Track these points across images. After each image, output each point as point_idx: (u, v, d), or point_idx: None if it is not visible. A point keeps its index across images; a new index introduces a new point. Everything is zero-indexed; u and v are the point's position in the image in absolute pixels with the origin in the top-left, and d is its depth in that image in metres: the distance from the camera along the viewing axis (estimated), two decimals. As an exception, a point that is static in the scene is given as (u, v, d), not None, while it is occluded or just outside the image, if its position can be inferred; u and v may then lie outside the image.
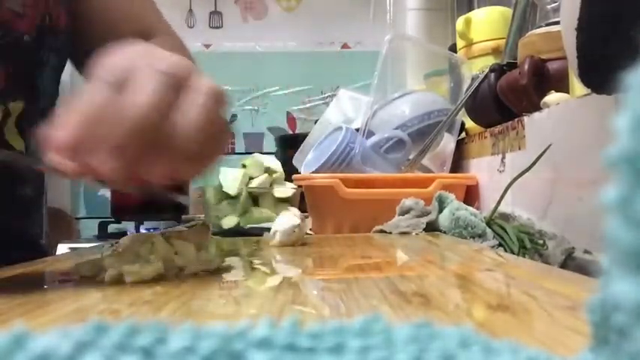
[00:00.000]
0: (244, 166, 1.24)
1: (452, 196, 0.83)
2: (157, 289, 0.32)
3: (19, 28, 0.53)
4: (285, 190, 1.20)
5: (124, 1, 0.65)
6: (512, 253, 0.62)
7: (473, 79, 1.04)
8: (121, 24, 0.64)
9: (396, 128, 1.10)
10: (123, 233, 1.91)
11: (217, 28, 2.69)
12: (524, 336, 0.21)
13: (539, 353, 0.15)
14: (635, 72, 0.12)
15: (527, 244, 0.64)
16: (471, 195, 1.03)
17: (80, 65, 0.63)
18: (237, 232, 0.87)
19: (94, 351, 0.13)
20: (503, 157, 0.89)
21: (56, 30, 0.57)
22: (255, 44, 2.67)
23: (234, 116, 2.64)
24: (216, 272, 0.39)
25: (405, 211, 0.83)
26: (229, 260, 0.49)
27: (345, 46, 2.69)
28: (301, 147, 1.26)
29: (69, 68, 0.65)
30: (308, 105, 2.64)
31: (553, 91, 0.78)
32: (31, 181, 0.61)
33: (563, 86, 0.77)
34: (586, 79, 0.52)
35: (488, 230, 0.70)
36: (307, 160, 1.16)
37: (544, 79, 0.82)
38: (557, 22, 0.74)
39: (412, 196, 0.87)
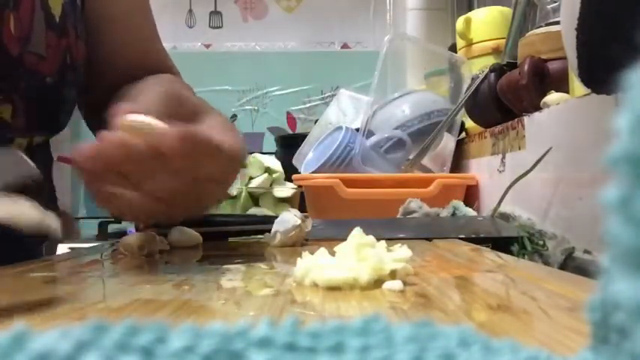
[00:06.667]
0: (244, 166, 1.24)
1: (467, 209, 0.83)
2: (157, 289, 0.32)
3: (43, 71, 0.54)
4: (285, 190, 1.20)
5: (132, 33, 0.66)
6: (512, 254, 0.62)
7: (473, 79, 1.04)
8: (129, 56, 0.65)
9: (396, 128, 1.10)
10: (123, 233, 1.90)
11: (217, 28, 2.69)
12: (524, 336, 0.21)
13: (539, 353, 0.15)
14: (635, 72, 0.12)
15: (528, 244, 0.64)
16: (471, 195, 1.03)
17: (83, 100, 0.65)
18: (237, 232, 0.87)
19: (94, 351, 0.13)
20: (503, 157, 0.89)
21: (76, 65, 0.58)
22: (255, 44, 2.67)
23: (234, 116, 2.64)
24: (216, 272, 0.40)
25: (408, 213, 0.83)
26: (229, 261, 0.49)
27: (345, 46, 2.69)
28: (301, 147, 1.26)
29: None
30: (308, 105, 2.64)
31: (553, 91, 0.78)
32: (44, 197, 0.62)
33: (563, 86, 0.77)
34: (586, 79, 0.52)
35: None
36: (307, 160, 1.16)
37: (544, 79, 0.82)
38: (557, 22, 0.74)
39: (412, 196, 0.87)
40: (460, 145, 1.16)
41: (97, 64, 0.62)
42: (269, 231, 0.56)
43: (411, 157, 1.10)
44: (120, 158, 0.37)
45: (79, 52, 0.59)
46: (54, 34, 0.55)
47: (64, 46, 0.56)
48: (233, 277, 0.38)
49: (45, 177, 0.62)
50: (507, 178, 0.84)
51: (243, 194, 1.18)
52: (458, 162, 1.16)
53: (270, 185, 1.21)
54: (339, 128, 1.12)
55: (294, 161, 1.27)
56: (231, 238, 0.64)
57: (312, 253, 0.35)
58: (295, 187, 1.19)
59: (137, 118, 0.39)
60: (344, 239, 0.35)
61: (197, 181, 0.40)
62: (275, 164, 1.25)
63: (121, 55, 0.65)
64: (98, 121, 0.66)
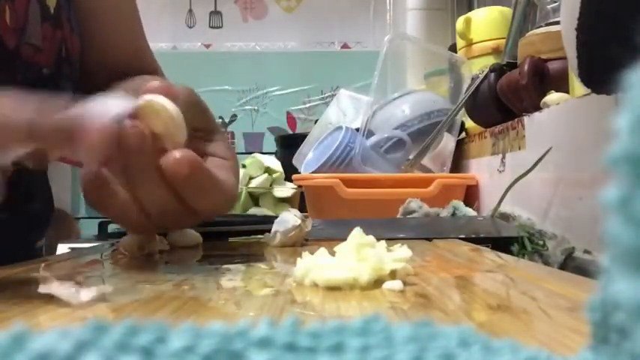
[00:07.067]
0: (244, 166, 1.24)
1: (467, 209, 0.83)
2: (157, 289, 0.32)
3: (39, 62, 0.54)
4: (285, 190, 1.20)
5: (121, 29, 0.66)
6: (512, 254, 0.62)
7: (473, 79, 1.04)
8: (118, 54, 0.65)
9: (396, 128, 1.10)
10: (123, 233, 1.90)
11: (217, 28, 2.69)
12: (524, 336, 0.21)
13: (539, 353, 0.15)
14: (635, 72, 0.12)
15: (528, 244, 0.64)
16: (471, 195, 1.03)
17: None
18: (237, 232, 0.87)
19: (94, 351, 0.13)
20: (503, 157, 0.90)
21: (71, 60, 0.58)
22: (255, 44, 2.67)
23: (234, 116, 2.64)
24: (216, 272, 0.40)
25: (408, 213, 0.83)
26: (229, 261, 0.49)
27: (345, 46, 2.69)
28: (301, 147, 1.26)
29: None
30: (308, 105, 2.64)
31: (553, 91, 0.78)
32: (39, 194, 0.62)
33: (563, 86, 0.77)
34: (586, 79, 0.52)
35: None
36: (307, 160, 1.16)
37: (544, 79, 0.82)
38: (557, 22, 0.74)
39: (412, 196, 0.87)
40: (460, 145, 1.16)
41: (86, 61, 0.62)
42: (269, 231, 0.56)
43: (411, 157, 1.10)
44: (135, 148, 0.36)
45: (74, 46, 0.59)
46: (49, 26, 0.55)
47: (60, 38, 0.56)
48: (233, 277, 0.38)
49: (41, 176, 0.62)
50: (507, 178, 0.84)
51: (243, 194, 1.18)
52: (458, 162, 1.16)
53: (270, 185, 1.21)
54: (339, 128, 1.12)
55: (294, 161, 1.27)
56: (231, 238, 0.64)
57: (312, 253, 0.35)
58: (295, 187, 1.19)
59: (160, 101, 0.38)
60: (344, 239, 0.35)
61: (180, 205, 0.39)
62: (275, 164, 1.25)
63: (110, 53, 0.65)
64: None
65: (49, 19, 0.55)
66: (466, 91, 1.05)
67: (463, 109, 1.08)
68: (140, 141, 0.36)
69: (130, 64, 0.65)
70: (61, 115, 0.33)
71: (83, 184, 0.40)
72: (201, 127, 0.45)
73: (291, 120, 2.65)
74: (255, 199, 1.20)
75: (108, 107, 0.34)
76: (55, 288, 0.28)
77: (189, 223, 0.46)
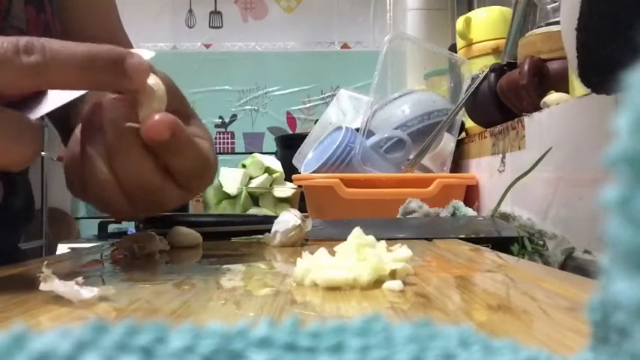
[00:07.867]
0: (244, 166, 1.24)
1: (467, 209, 0.83)
2: (157, 289, 0.32)
3: None
4: (285, 190, 1.20)
5: (99, 18, 0.67)
6: (512, 254, 0.62)
7: (473, 79, 1.04)
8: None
9: (396, 128, 1.10)
10: (123, 233, 1.91)
11: (217, 28, 2.69)
12: (524, 336, 0.21)
13: (539, 353, 0.15)
14: (635, 72, 0.12)
15: (528, 244, 0.64)
16: (471, 195, 1.03)
17: None
18: (237, 232, 0.87)
19: (94, 351, 0.13)
20: (503, 157, 0.89)
21: None
22: (255, 44, 2.67)
23: (234, 116, 2.64)
24: (216, 272, 0.40)
25: (408, 213, 0.83)
26: (229, 261, 0.49)
27: (345, 46, 2.69)
28: (301, 147, 1.26)
29: None
30: (308, 105, 2.64)
31: (553, 91, 0.78)
32: (20, 192, 0.62)
33: (563, 86, 0.77)
34: (586, 79, 0.52)
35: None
36: (307, 160, 1.16)
37: (544, 79, 0.82)
38: (557, 22, 0.74)
39: (412, 196, 0.87)
40: (460, 145, 1.16)
41: None
42: (269, 231, 0.56)
43: (411, 157, 1.10)
44: (122, 114, 0.38)
45: (57, 30, 0.59)
46: (33, 9, 0.55)
47: (43, 22, 0.56)
48: (233, 277, 0.38)
49: (20, 173, 0.62)
50: (507, 178, 0.84)
51: (243, 194, 1.18)
52: (458, 162, 1.16)
53: (270, 185, 1.21)
54: (339, 128, 1.12)
55: (294, 161, 1.27)
56: (231, 238, 0.64)
57: (312, 253, 0.35)
58: (295, 187, 1.19)
59: (149, 81, 0.39)
60: (344, 239, 0.35)
61: (161, 174, 0.39)
62: (275, 164, 1.25)
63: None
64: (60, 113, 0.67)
65: (32, 1, 0.55)
66: (466, 91, 1.05)
67: (463, 109, 1.08)
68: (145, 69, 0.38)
69: None
70: (111, 49, 0.36)
71: (65, 164, 0.40)
72: (179, 109, 0.45)
73: (291, 120, 2.65)
74: (255, 199, 1.20)
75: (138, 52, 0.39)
76: (57, 286, 0.28)
77: (172, 200, 0.42)
